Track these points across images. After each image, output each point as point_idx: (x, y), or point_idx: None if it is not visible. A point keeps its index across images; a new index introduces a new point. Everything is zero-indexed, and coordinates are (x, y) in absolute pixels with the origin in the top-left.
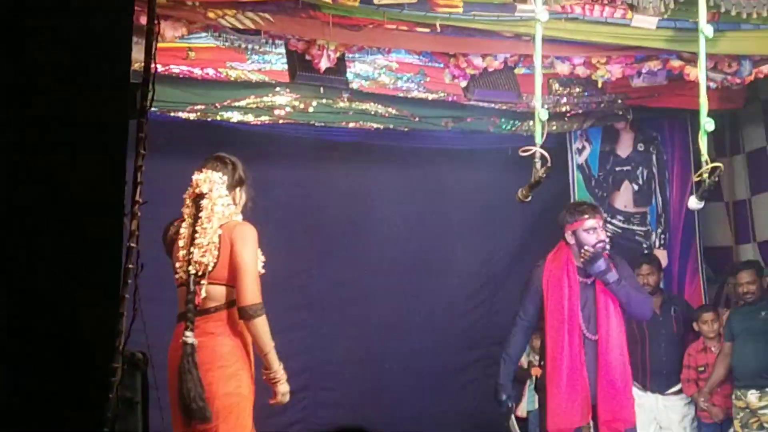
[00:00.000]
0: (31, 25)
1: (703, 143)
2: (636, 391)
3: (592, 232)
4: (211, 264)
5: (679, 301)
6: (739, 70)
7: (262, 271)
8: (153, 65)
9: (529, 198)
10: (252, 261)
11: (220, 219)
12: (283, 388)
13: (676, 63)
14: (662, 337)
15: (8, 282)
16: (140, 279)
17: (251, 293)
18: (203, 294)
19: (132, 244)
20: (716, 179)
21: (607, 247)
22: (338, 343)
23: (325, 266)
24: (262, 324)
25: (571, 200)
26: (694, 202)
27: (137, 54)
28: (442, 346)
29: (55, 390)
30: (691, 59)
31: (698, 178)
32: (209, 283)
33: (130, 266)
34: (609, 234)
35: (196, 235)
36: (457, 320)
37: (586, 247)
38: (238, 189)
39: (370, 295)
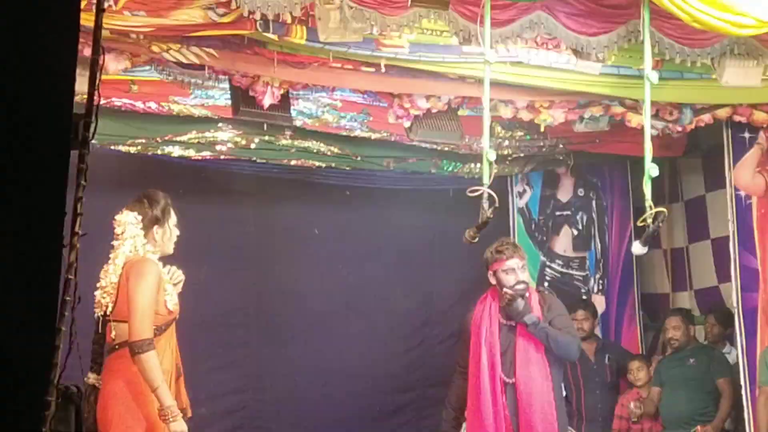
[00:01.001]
0: None
1: (647, 188)
2: None
3: (511, 272)
4: (110, 305)
5: (615, 348)
6: (681, 117)
7: (174, 308)
8: (97, 96)
9: (476, 239)
10: (141, 296)
11: (127, 258)
12: (176, 427)
13: (618, 109)
14: (596, 384)
15: None
16: (77, 312)
17: (137, 329)
18: (113, 333)
19: (70, 276)
20: (660, 224)
21: (525, 288)
22: (274, 382)
23: (262, 305)
24: (148, 360)
25: None
26: (638, 248)
27: (80, 86)
28: (377, 388)
29: None
30: (633, 106)
31: (642, 223)
32: (116, 322)
33: (68, 298)
34: (548, 278)
35: (100, 277)
36: (393, 362)
37: (505, 289)
38: (156, 227)
39: (307, 335)
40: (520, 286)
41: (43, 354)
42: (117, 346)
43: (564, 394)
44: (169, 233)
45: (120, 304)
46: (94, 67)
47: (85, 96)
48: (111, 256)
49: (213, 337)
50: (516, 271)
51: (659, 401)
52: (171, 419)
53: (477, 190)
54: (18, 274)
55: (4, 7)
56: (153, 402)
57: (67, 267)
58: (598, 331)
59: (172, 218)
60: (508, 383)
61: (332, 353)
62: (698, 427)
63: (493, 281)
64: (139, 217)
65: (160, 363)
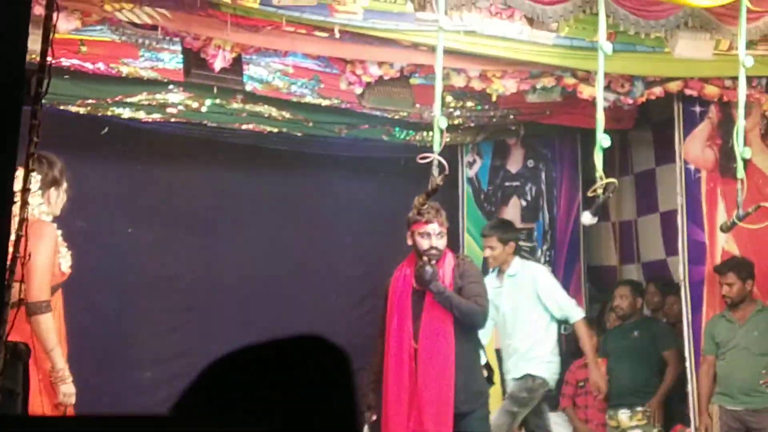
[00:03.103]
0: None
1: (598, 159)
2: None
3: (427, 237)
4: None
5: None
6: (632, 90)
7: (68, 270)
8: (51, 52)
9: (426, 206)
10: (40, 257)
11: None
12: (66, 389)
13: (570, 80)
14: None
15: None
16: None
17: (35, 290)
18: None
19: (20, 233)
20: (610, 195)
21: (437, 254)
22: (219, 348)
23: (207, 269)
24: (45, 321)
25: (460, 213)
26: (587, 217)
27: (32, 45)
28: None
29: None
30: (585, 78)
31: (592, 193)
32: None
33: (18, 255)
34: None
35: None
36: (339, 329)
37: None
38: (52, 189)
39: (253, 300)
40: (433, 252)
41: None
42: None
43: (484, 361)
44: (62, 196)
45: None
46: (48, 23)
47: (35, 56)
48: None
49: (158, 301)
50: (432, 237)
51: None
52: (62, 382)
53: (427, 157)
54: None
55: None
56: (46, 362)
57: (18, 223)
58: None
59: (65, 182)
60: (414, 348)
61: (278, 319)
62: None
63: (409, 242)
64: (38, 177)
65: None
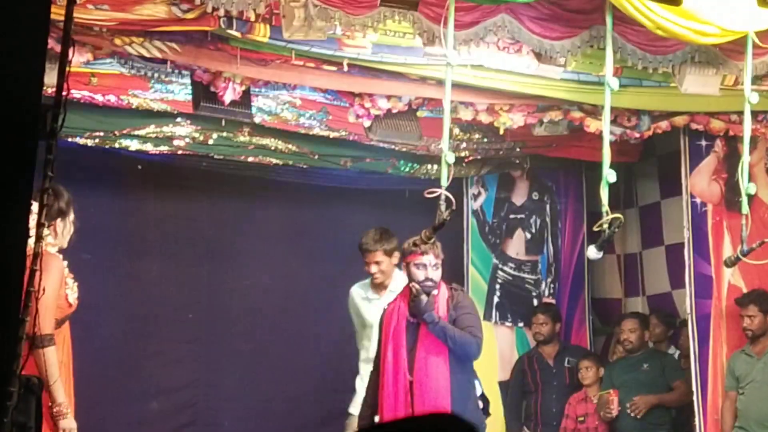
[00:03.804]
0: None
1: (604, 194)
2: None
3: (422, 268)
4: None
5: (576, 351)
6: (639, 124)
7: (75, 302)
8: (66, 88)
9: (432, 240)
10: (46, 291)
11: (30, 250)
12: (66, 424)
13: (576, 114)
14: (554, 388)
15: None
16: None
17: (40, 323)
18: None
19: (35, 267)
20: (615, 230)
21: (432, 286)
22: (224, 379)
23: (213, 301)
24: (48, 355)
25: (465, 245)
26: (593, 252)
27: (46, 78)
28: (328, 387)
29: None
30: (592, 111)
31: (598, 228)
32: None
33: (32, 289)
34: (500, 280)
35: None
36: (344, 361)
37: (412, 284)
38: (59, 220)
39: (259, 331)
40: (428, 284)
41: (6, 345)
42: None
43: (479, 392)
44: (69, 228)
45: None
46: (64, 59)
47: (50, 88)
48: None
49: (163, 332)
50: (427, 268)
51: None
52: (62, 417)
53: (434, 192)
54: None
55: None
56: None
57: (32, 258)
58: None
59: (72, 214)
60: (408, 380)
61: (283, 350)
62: (636, 398)
63: (405, 273)
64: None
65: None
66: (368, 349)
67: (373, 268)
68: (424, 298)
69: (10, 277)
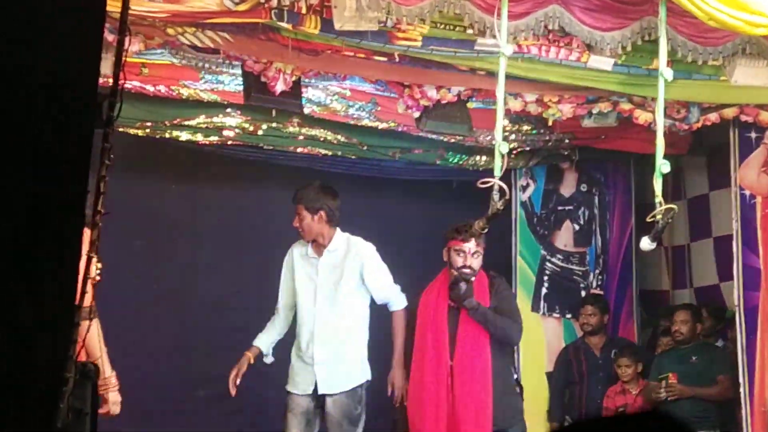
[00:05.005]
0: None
1: (657, 185)
2: None
3: (462, 254)
4: None
5: (624, 344)
6: (688, 116)
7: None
8: (122, 76)
9: (485, 230)
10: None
11: None
12: (114, 397)
13: (626, 106)
14: (600, 379)
15: None
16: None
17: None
18: None
19: (92, 254)
20: (669, 221)
21: (471, 273)
22: (273, 367)
23: (261, 289)
24: (92, 328)
25: (513, 237)
26: (646, 243)
27: (101, 68)
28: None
29: (7, 397)
30: (641, 103)
31: (651, 219)
32: None
33: (89, 276)
34: (548, 272)
35: None
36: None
37: (451, 270)
38: None
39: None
40: (466, 270)
41: (62, 330)
42: None
43: (515, 376)
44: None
45: None
46: (120, 48)
47: (105, 79)
48: None
49: (212, 320)
50: (466, 255)
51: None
52: (111, 389)
53: (488, 182)
54: (41, 251)
55: None
56: None
57: (89, 245)
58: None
59: None
60: (449, 365)
61: None
62: (669, 374)
63: (445, 258)
64: None
65: None
66: (283, 313)
67: (295, 222)
68: (463, 285)
69: (67, 263)
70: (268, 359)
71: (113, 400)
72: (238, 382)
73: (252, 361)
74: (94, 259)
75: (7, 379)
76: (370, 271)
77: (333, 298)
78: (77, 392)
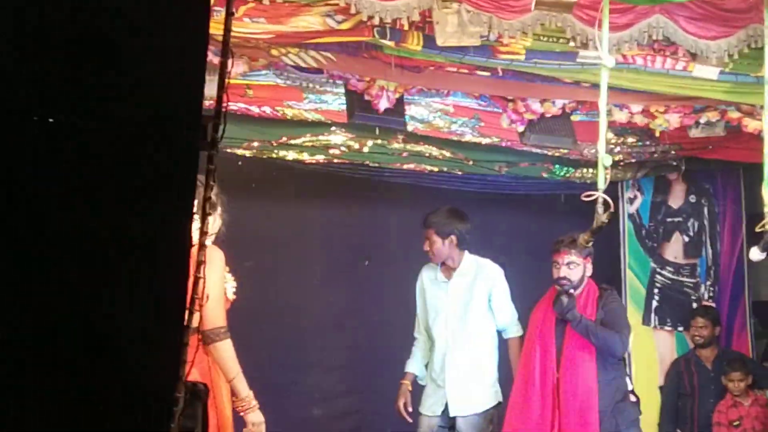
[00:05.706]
0: (106, 55)
1: (766, 193)
2: None
3: (557, 266)
4: None
5: (733, 356)
6: None
7: (232, 297)
8: (225, 98)
9: (591, 243)
10: (213, 284)
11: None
12: (254, 418)
13: (734, 114)
14: (712, 392)
15: (77, 307)
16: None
17: (211, 316)
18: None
19: (199, 275)
20: None
21: (568, 284)
22: (386, 386)
23: (371, 307)
24: (224, 348)
25: (622, 249)
26: (755, 254)
27: (206, 91)
28: None
29: (118, 418)
30: (750, 111)
31: (761, 229)
32: None
33: (196, 296)
34: (658, 284)
35: None
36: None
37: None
38: (214, 214)
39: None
40: (562, 282)
41: (172, 350)
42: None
43: (630, 387)
44: (218, 221)
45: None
46: (223, 70)
47: (210, 101)
48: None
49: (326, 339)
50: (561, 267)
51: None
52: (250, 410)
53: (592, 195)
54: (149, 273)
55: (139, 15)
56: (222, 395)
57: (196, 265)
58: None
59: (219, 207)
60: (555, 378)
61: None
62: None
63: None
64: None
65: None
66: (423, 336)
67: (426, 246)
68: (565, 298)
69: (175, 286)
70: (423, 382)
71: (254, 421)
72: (410, 409)
73: (410, 388)
74: (202, 280)
75: (120, 400)
76: (498, 294)
77: (463, 321)
78: (188, 412)
